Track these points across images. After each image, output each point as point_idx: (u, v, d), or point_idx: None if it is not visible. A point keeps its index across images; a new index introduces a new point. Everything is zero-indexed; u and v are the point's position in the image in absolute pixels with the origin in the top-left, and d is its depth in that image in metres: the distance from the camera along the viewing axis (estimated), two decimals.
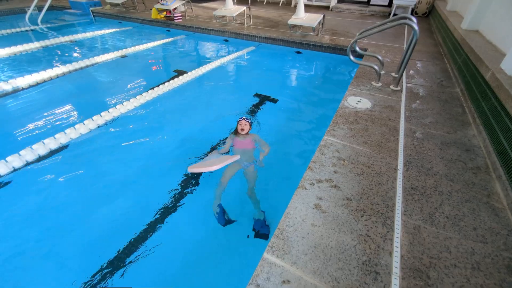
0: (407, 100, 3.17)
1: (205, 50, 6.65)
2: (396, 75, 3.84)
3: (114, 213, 2.28)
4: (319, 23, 5.88)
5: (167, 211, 2.27)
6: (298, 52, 5.98)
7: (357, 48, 3.97)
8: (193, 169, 2.31)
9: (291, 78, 5.15)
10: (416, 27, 2.88)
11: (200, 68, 5.25)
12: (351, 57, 3.47)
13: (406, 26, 6.87)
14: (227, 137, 2.92)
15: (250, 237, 2.04)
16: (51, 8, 9.83)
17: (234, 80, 5.10)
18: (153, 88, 4.43)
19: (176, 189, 2.50)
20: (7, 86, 4.44)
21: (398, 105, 3.04)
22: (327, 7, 9.95)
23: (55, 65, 5.29)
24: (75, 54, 6.18)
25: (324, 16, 5.99)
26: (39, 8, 8.40)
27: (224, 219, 2.15)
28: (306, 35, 5.88)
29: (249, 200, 2.33)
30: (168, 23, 7.54)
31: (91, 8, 8.81)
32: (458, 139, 2.45)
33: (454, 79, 3.81)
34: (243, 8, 6.55)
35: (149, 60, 5.98)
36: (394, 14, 8.53)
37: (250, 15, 7.04)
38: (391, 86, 3.50)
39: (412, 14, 8.66)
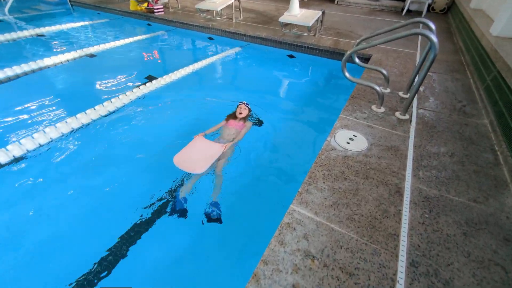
0: (418, 137, 2.38)
1: (185, 49, 5.85)
2: (405, 96, 3.03)
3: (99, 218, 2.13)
4: (317, 21, 5.02)
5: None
6: (291, 56, 5.14)
7: (357, 60, 3.16)
8: (180, 162, 2.26)
9: (278, 92, 4.33)
10: (435, 39, 2.08)
11: (175, 72, 4.49)
12: (346, 74, 2.68)
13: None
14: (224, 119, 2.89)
15: (205, 223, 2.09)
16: None
17: (209, 90, 4.32)
18: (117, 97, 3.72)
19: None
20: None
21: (404, 145, 2.26)
22: (332, 0, 8.98)
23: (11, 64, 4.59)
24: (34, 52, 5.46)
25: (323, 12, 5.12)
26: None
27: (181, 209, 2.15)
28: (301, 36, 5.04)
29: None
30: (148, 16, 6.74)
31: None
32: (491, 214, 1.67)
33: (480, 103, 2.99)
34: (230, 1, 5.70)
35: (120, 61, 5.24)
36: (408, 10, 7.56)
37: (240, 9, 6.19)
38: (397, 114, 2.70)
39: (428, 10, 7.67)
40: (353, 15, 7.23)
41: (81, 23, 6.76)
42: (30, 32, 6.17)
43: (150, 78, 4.35)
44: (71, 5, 8.06)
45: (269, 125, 3.32)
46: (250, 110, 3.06)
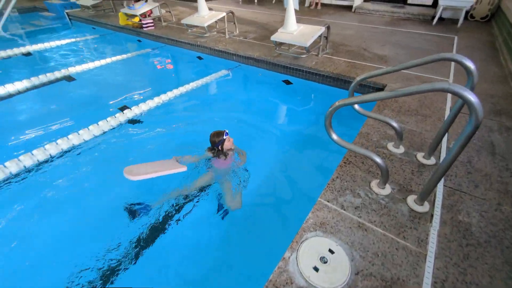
0: (442, 257, 1.45)
1: (170, 70, 5.24)
2: (427, 162, 2.11)
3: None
4: (320, 37, 4.15)
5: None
6: (287, 82, 4.30)
7: (356, 106, 2.26)
8: (131, 174, 2.06)
9: (265, 130, 3.49)
10: (475, 100, 1.20)
11: (155, 99, 3.87)
12: (333, 135, 1.80)
13: (456, 40, 4.88)
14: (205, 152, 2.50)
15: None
16: (29, 10, 9.17)
17: (191, 118, 3.61)
18: (87, 128, 3.27)
19: None
20: None
21: (416, 276, 1.35)
22: (349, 8, 7.99)
23: None
24: (11, 73, 5.15)
25: (328, 28, 4.24)
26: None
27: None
28: (298, 58, 4.18)
29: None
30: (138, 31, 6.26)
31: (66, 11, 7.86)
32: None
33: None
34: (221, 14, 5.01)
35: (98, 85, 4.76)
36: (440, 19, 6.38)
37: (235, 22, 5.47)
38: (411, 200, 1.78)
39: (466, 18, 6.43)
40: (372, 26, 6.21)
41: (68, 40, 6.44)
42: (14, 51, 5.92)
43: (123, 108, 3.77)
44: (69, 19, 7.87)
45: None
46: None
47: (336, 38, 5.28)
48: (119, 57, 5.50)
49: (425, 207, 1.74)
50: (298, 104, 4.04)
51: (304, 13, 7.56)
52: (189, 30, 5.22)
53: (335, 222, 1.65)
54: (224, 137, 2.40)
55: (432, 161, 2.13)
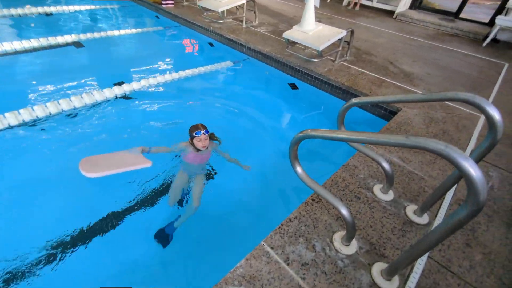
0: None
1: (179, 52, 5.00)
2: (418, 218, 1.71)
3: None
4: (340, 42, 3.67)
5: None
6: (293, 87, 3.89)
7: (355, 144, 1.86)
8: (88, 170, 1.89)
9: (250, 145, 3.13)
10: (480, 188, 0.78)
11: (146, 80, 3.73)
12: (297, 168, 1.45)
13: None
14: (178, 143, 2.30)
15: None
16: None
17: (177, 111, 3.39)
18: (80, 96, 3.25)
19: None
20: None
21: None
22: (390, 13, 7.24)
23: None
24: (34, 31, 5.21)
25: (352, 32, 3.74)
26: None
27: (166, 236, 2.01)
28: (310, 61, 3.73)
29: None
30: (157, 7, 6.08)
31: None
32: None
33: None
34: (241, 0, 4.64)
35: (107, 54, 4.68)
36: (494, 40, 5.53)
37: (255, 11, 5.09)
38: (377, 271, 1.40)
39: None
40: (410, 37, 5.53)
41: (90, 6, 6.41)
42: (38, 9, 5.99)
43: (121, 83, 3.64)
44: None
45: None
46: (210, 135, 2.34)
47: (363, 45, 4.73)
48: (133, 30, 5.37)
49: (393, 283, 1.35)
50: (300, 112, 3.64)
51: (339, 12, 6.97)
52: (205, 13, 4.93)
53: (269, 279, 1.31)
54: (195, 134, 2.16)
55: (423, 219, 1.70)
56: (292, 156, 1.45)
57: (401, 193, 1.87)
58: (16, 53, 4.41)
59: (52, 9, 6.17)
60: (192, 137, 2.20)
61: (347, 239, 1.47)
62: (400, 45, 4.98)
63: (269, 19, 5.70)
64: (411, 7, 7.33)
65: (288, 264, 1.38)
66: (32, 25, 5.56)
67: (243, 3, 4.77)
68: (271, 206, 2.34)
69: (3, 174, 2.35)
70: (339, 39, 3.69)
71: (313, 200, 1.76)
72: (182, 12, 5.57)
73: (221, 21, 4.93)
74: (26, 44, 4.51)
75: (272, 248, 1.45)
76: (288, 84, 3.94)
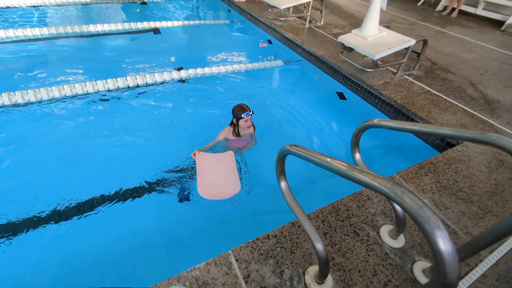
0: None
1: (235, 48, 5.14)
2: (427, 279, 1.43)
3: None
4: (406, 51, 3.20)
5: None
6: (341, 96, 3.58)
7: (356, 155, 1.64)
8: (211, 193, 1.98)
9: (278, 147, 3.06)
10: None
11: (212, 68, 4.06)
12: (281, 183, 1.36)
13: None
14: (220, 133, 2.39)
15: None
16: None
17: (222, 104, 3.58)
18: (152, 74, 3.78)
19: None
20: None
21: None
22: (498, 24, 5.91)
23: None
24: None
25: (425, 42, 3.21)
26: None
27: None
28: (363, 71, 3.35)
29: None
30: (230, 1, 6.38)
31: None
32: None
33: None
34: None
35: (177, 42, 5.21)
36: None
37: (322, 10, 4.85)
38: None
39: None
40: None
41: None
42: None
43: (180, 68, 4.07)
44: None
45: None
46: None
47: (443, 59, 4.01)
48: (201, 22, 5.81)
49: None
50: (342, 125, 3.34)
51: (427, 18, 6.06)
52: (269, 10, 4.93)
53: None
54: (243, 115, 2.16)
55: None
56: (278, 170, 1.36)
57: (416, 244, 1.55)
58: (109, 34, 5.28)
59: None
60: (238, 119, 2.18)
61: (320, 277, 1.30)
62: (495, 64, 4.04)
63: (338, 21, 5.35)
64: None
65: (246, 282, 1.31)
66: (138, 10, 6.57)
67: (309, 1, 4.59)
68: (271, 214, 2.24)
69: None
70: (405, 49, 3.21)
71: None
72: (250, 7, 5.72)
73: (282, 18, 4.87)
74: (120, 26, 5.35)
75: (237, 260, 1.40)
76: (337, 92, 3.66)
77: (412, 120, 2.81)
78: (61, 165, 2.50)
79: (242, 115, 2.16)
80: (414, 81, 3.37)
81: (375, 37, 3.19)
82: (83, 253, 1.84)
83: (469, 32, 5.42)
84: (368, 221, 1.65)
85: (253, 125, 2.46)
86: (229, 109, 2.29)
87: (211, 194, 1.96)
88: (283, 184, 1.35)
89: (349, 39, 3.25)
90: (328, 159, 0.98)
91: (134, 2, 6.98)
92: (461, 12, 6.57)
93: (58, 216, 2.07)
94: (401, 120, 2.94)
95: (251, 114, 2.19)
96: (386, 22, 5.41)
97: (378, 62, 3.66)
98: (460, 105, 2.96)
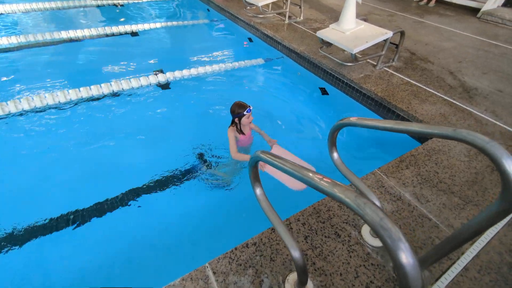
0: None
1: (215, 48, 5.03)
2: None
3: None
4: (385, 43, 3.18)
5: None
6: (324, 92, 3.56)
7: (336, 158, 1.59)
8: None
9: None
10: None
11: (192, 69, 3.93)
12: (257, 190, 1.30)
13: None
14: (229, 135, 2.29)
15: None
16: None
17: (213, 100, 3.49)
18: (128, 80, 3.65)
19: None
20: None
21: None
22: (474, 11, 6.00)
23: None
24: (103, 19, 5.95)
25: (401, 34, 3.21)
26: None
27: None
28: (343, 66, 3.33)
29: None
30: (210, 0, 6.26)
31: None
32: None
33: None
34: None
35: (152, 45, 5.05)
36: None
37: (301, 6, 4.80)
38: None
39: None
40: (491, 41, 4.50)
41: None
42: (107, 1, 6.79)
43: (160, 71, 3.95)
44: None
45: None
46: None
47: (422, 49, 4.03)
48: (180, 23, 5.67)
49: None
50: (325, 121, 3.31)
51: (406, 8, 6.10)
52: (248, 7, 4.85)
53: None
54: (245, 112, 2.16)
55: None
56: (252, 177, 1.30)
57: None
58: (85, 38, 5.09)
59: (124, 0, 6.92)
60: (240, 117, 2.19)
61: (299, 285, 1.26)
62: (473, 51, 4.09)
63: (318, 15, 5.31)
64: (506, 4, 5.94)
65: None
66: (117, 11, 6.34)
67: None
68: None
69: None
70: (383, 41, 3.20)
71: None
72: (229, 5, 5.62)
73: (261, 15, 4.80)
74: (94, 32, 5.16)
75: (214, 273, 1.34)
76: (319, 88, 3.63)
77: (393, 112, 2.80)
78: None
79: (244, 112, 2.15)
80: (394, 73, 3.36)
81: (352, 30, 3.17)
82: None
83: (447, 20, 5.48)
84: (349, 221, 1.61)
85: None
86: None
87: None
88: (258, 190, 1.30)
89: (327, 34, 3.21)
90: (295, 168, 0.93)
91: (111, 6, 6.77)
92: (439, 1, 6.64)
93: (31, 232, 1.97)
94: (383, 113, 2.94)
95: (251, 110, 2.20)
96: (364, 15, 5.42)
97: (357, 55, 3.65)
98: (439, 94, 2.97)
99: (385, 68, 3.45)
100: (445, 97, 2.92)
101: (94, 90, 3.41)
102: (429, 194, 1.81)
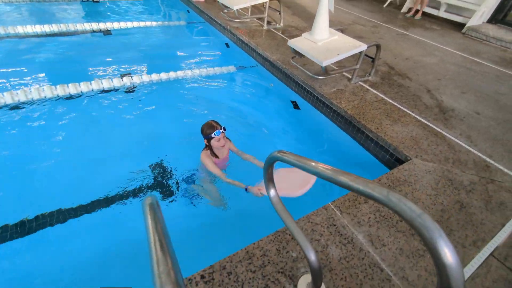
0: None
1: (188, 52, 4.75)
2: None
3: None
4: (359, 58, 2.97)
5: None
6: (295, 106, 3.34)
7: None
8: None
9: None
10: None
11: (168, 73, 3.71)
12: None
13: None
14: (203, 160, 2.04)
15: None
16: None
17: (187, 106, 3.21)
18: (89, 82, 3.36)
19: None
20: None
21: None
22: (459, 26, 5.93)
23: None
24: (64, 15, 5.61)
25: (378, 47, 3.02)
26: None
27: None
28: (314, 79, 3.11)
29: None
30: (189, 0, 6.01)
31: None
32: None
33: None
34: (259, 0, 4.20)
35: (125, 45, 4.74)
36: None
37: (280, 11, 4.59)
38: None
39: None
40: (473, 59, 4.37)
41: None
42: None
43: (125, 75, 3.65)
44: None
45: None
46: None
47: (401, 64, 3.86)
48: (154, 23, 5.39)
49: None
50: (295, 139, 3.07)
51: (391, 20, 5.98)
52: (225, 11, 4.62)
53: None
54: (213, 135, 1.91)
55: None
56: (267, 178, 1.17)
57: None
58: (49, 35, 4.75)
59: None
60: (210, 139, 1.93)
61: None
62: (454, 68, 3.94)
63: (299, 22, 5.12)
64: (491, 20, 5.89)
65: None
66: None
67: (265, 1, 4.32)
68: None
69: None
70: (358, 54, 3.00)
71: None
72: (208, 7, 5.37)
73: (237, 20, 4.56)
74: (63, 27, 4.83)
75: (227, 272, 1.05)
76: (291, 101, 3.39)
77: (362, 132, 2.58)
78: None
79: (212, 134, 1.90)
80: (370, 88, 3.16)
81: (325, 41, 2.96)
82: None
83: (431, 34, 5.37)
84: (286, 270, 1.36)
85: (229, 140, 2.23)
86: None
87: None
88: (272, 192, 1.17)
89: (299, 43, 2.99)
90: (320, 166, 0.85)
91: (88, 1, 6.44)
92: (425, 14, 6.56)
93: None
94: (352, 132, 2.71)
95: (222, 132, 1.92)
96: (347, 25, 5.27)
97: (333, 67, 3.45)
98: (413, 114, 2.77)
99: (360, 83, 3.25)
100: (419, 118, 2.72)
101: (59, 90, 3.15)
102: (386, 236, 1.58)
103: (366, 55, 3.18)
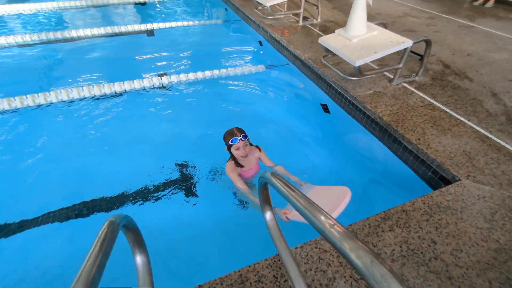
0: None
1: (221, 51, 4.72)
2: None
3: None
4: (403, 55, 2.57)
5: None
6: (325, 109, 3.05)
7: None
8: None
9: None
10: None
11: (193, 73, 3.73)
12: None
13: None
14: (228, 173, 1.93)
15: None
16: None
17: (199, 116, 3.25)
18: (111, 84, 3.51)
19: None
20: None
21: None
22: None
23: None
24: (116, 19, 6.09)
25: (426, 43, 2.58)
26: None
27: None
28: (347, 80, 2.77)
29: None
30: None
31: None
32: None
33: None
34: None
35: (164, 46, 4.95)
36: None
37: (318, 6, 4.29)
38: None
39: None
40: None
41: None
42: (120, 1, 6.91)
43: (162, 74, 3.80)
44: None
45: None
46: (248, 138, 1.89)
47: (460, 62, 3.27)
48: (197, 22, 5.53)
49: None
50: (322, 146, 2.80)
51: (454, 10, 5.17)
52: (259, 8, 4.47)
53: None
54: (231, 142, 1.80)
55: None
56: (262, 199, 1.15)
57: None
58: (101, 36, 5.19)
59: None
60: (229, 146, 1.85)
61: None
62: None
63: (340, 17, 4.73)
64: None
65: None
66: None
67: None
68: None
69: None
70: (403, 51, 2.59)
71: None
72: (243, 5, 5.30)
73: (270, 17, 4.38)
74: (110, 30, 5.25)
75: None
76: (321, 104, 3.12)
77: (400, 143, 2.22)
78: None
79: (230, 142, 1.80)
80: (415, 91, 2.73)
81: (361, 38, 2.62)
82: None
83: (506, 25, 4.48)
84: None
85: (256, 147, 2.05)
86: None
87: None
88: (268, 215, 1.08)
89: (330, 40, 2.71)
90: (302, 201, 0.69)
91: (136, 4, 6.92)
92: (500, 1, 5.53)
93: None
94: (388, 142, 2.36)
95: (240, 139, 1.78)
96: (394, 17, 4.70)
97: (373, 66, 3.08)
98: (470, 123, 2.29)
99: (404, 84, 2.82)
100: (478, 128, 2.24)
101: (106, 88, 3.41)
102: (413, 276, 1.28)
103: (413, 52, 2.75)
